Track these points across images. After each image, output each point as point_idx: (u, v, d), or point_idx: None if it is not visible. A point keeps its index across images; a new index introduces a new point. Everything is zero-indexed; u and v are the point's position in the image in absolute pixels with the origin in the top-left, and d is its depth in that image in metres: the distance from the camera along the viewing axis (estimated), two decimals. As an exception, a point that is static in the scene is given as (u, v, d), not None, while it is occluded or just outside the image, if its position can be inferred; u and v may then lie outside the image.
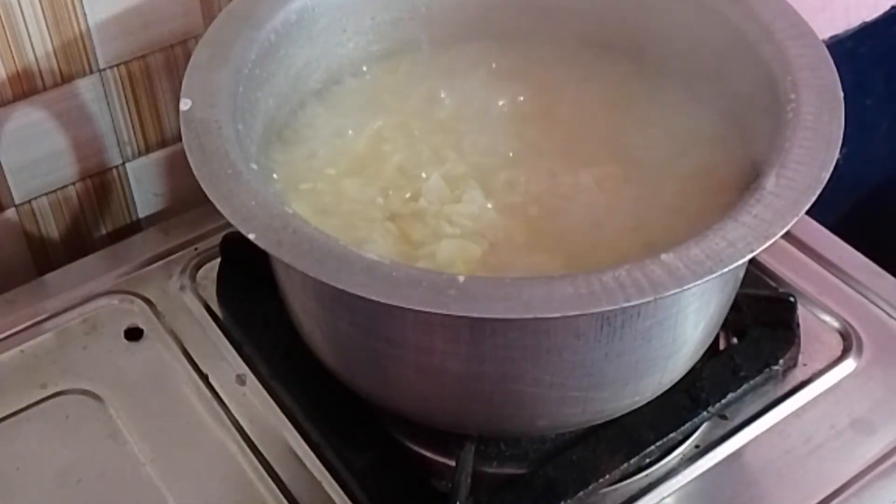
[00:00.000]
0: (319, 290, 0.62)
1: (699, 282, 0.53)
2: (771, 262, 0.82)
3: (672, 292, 0.53)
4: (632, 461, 0.68)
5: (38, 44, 0.77)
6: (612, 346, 0.59)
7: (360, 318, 0.61)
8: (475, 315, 0.52)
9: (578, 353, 0.59)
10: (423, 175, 0.69)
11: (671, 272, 0.53)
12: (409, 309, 0.53)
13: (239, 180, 0.59)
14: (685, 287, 0.53)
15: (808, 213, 0.57)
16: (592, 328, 0.57)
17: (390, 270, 0.54)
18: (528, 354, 0.59)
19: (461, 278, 0.54)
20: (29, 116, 0.79)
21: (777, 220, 0.56)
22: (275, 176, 0.69)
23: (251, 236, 0.56)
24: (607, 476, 0.67)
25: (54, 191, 0.84)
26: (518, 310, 0.52)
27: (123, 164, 0.86)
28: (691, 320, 0.62)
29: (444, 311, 0.52)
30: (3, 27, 0.75)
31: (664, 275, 0.53)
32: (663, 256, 0.54)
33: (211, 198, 0.58)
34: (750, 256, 0.55)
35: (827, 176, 0.58)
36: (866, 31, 1.20)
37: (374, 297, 0.53)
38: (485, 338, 0.58)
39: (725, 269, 0.54)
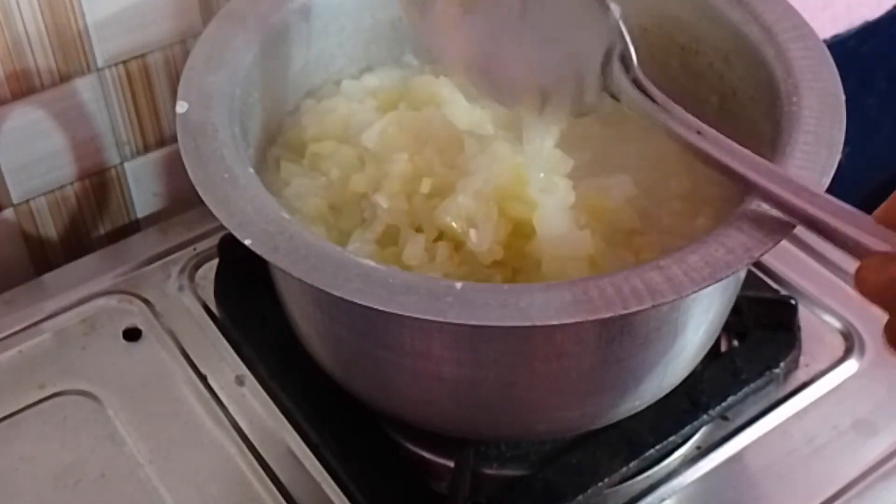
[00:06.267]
0: (316, 295, 0.61)
1: (697, 289, 0.53)
2: (772, 263, 0.82)
3: (670, 300, 0.52)
4: (631, 464, 0.68)
5: (36, 43, 0.77)
6: (611, 351, 0.58)
7: (358, 323, 0.61)
8: (472, 323, 0.52)
9: (577, 359, 0.58)
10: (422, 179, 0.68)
11: (669, 279, 0.53)
12: (406, 316, 0.53)
13: (235, 185, 0.59)
14: (683, 295, 0.52)
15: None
16: (591, 334, 0.57)
17: (387, 277, 0.54)
18: (526, 360, 0.59)
19: (458, 285, 0.53)
20: (27, 116, 0.79)
21: (777, 227, 0.55)
22: (271, 178, 0.69)
23: (247, 242, 0.56)
24: (606, 479, 0.67)
25: (52, 191, 0.83)
26: (516, 317, 0.52)
27: (122, 163, 0.86)
28: (691, 325, 0.62)
29: (441, 319, 0.52)
30: (1, 26, 0.75)
31: (663, 282, 0.53)
32: (662, 263, 0.54)
33: (207, 202, 0.58)
34: (749, 263, 0.54)
35: (828, 181, 0.58)
36: (869, 30, 1.20)
37: (370, 305, 0.52)
38: (483, 344, 0.58)
39: (724, 277, 0.53)
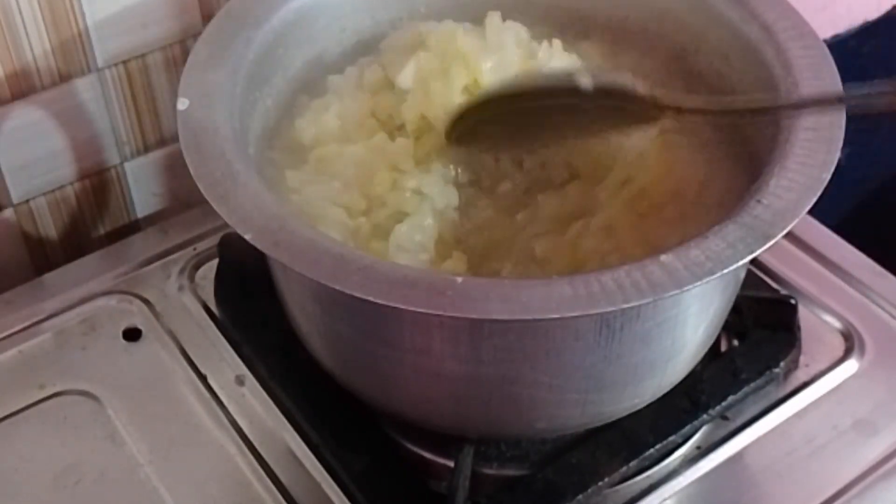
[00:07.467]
0: (317, 291, 0.62)
1: (698, 283, 0.53)
2: (772, 263, 0.81)
3: (671, 293, 0.52)
4: (631, 464, 0.68)
5: (36, 43, 0.77)
6: (612, 348, 0.58)
7: (358, 319, 0.61)
8: (472, 316, 0.52)
9: (577, 356, 0.58)
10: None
11: (671, 273, 0.53)
12: (406, 310, 0.53)
13: (236, 181, 0.59)
14: (684, 288, 0.53)
15: (809, 212, 0.57)
16: (592, 330, 0.57)
17: (387, 271, 0.54)
18: (526, 356, 0.58)
19: (459, 279, 0.53)
20: (27, 116, 0.79)
21: (777, 222, 0.56)
22: (271, 176, 0.69)
23: (248, 237, 0.56)
24: (606, 479, 0.67)
25: (52, 191, 0.83)
26: (516, 311, 0.52)
27: (122, 163, 0.86)
28: (691, 322, 0.62)
29: (442, 313, 0.52)
30: (2, 26, 0.75)
31: (664, 276, 0.53)
32: (663, 257, 0.54)
33: (208, 198, 0.58)
34: (750, 258, 0.54)
35: (828, 177, 0.58)
36: (868, 31, 1.20)
37: (370, 298, 0.52)
38: (483, 339, 0.58)
39: (725, 271, 0.53)
